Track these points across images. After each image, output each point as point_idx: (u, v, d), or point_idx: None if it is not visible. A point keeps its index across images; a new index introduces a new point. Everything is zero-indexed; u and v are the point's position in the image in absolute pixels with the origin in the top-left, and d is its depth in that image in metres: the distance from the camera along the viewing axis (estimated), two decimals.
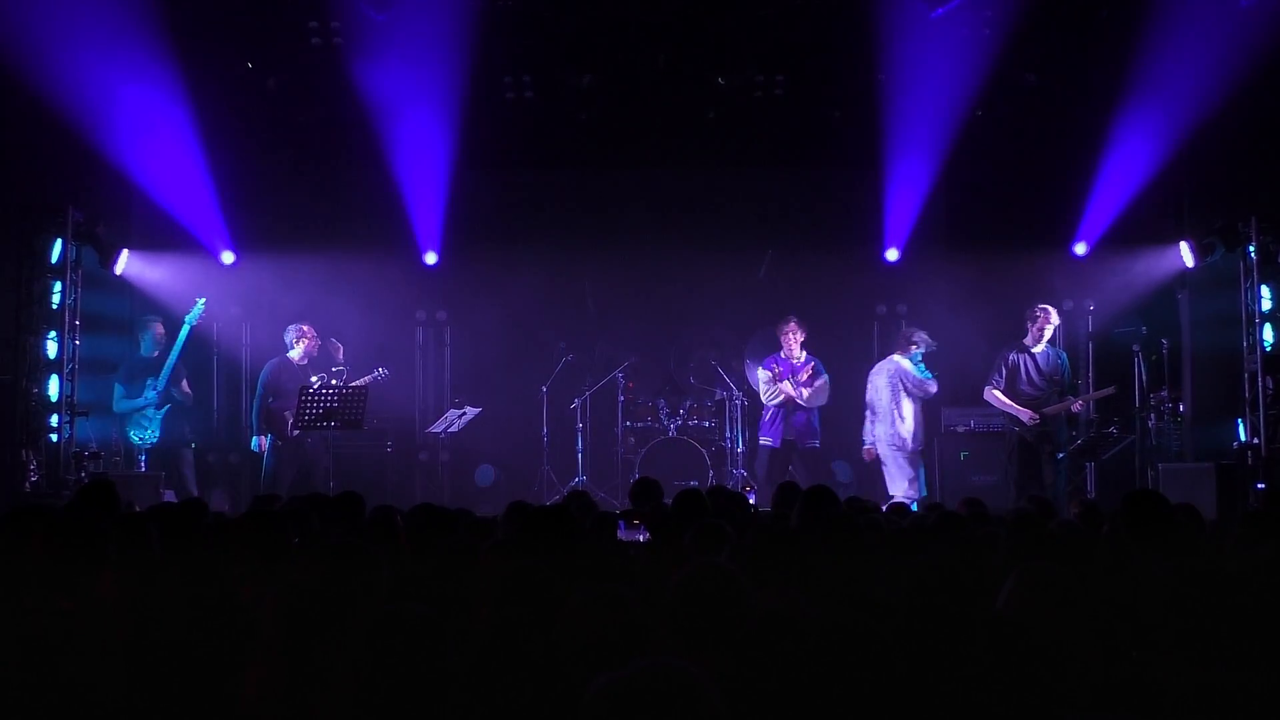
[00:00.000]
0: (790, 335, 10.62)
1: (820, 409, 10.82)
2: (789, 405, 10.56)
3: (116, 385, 10.52)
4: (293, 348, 10.29)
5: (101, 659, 3.42)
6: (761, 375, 10.73)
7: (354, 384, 10.08)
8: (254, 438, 10.24)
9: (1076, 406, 9.98)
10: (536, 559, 4.06)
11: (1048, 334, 9.75)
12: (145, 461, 10.37)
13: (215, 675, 3.34)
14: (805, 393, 10.55)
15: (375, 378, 10.18)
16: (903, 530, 5.44)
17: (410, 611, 2.96)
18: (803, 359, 10.66)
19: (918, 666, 3.03)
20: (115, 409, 10.51)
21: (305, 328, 10.29)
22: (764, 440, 10.72)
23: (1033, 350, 9.76)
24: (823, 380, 10.67)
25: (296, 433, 9.97)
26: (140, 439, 10.39)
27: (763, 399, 10.73)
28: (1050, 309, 9.78)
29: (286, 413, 10.00)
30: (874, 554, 4.61)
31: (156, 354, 10.48)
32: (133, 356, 10.64)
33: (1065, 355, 10.02)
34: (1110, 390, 10.29)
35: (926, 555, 4.42)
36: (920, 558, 4.35)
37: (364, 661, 2.83)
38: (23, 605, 3.83)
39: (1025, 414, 9.62)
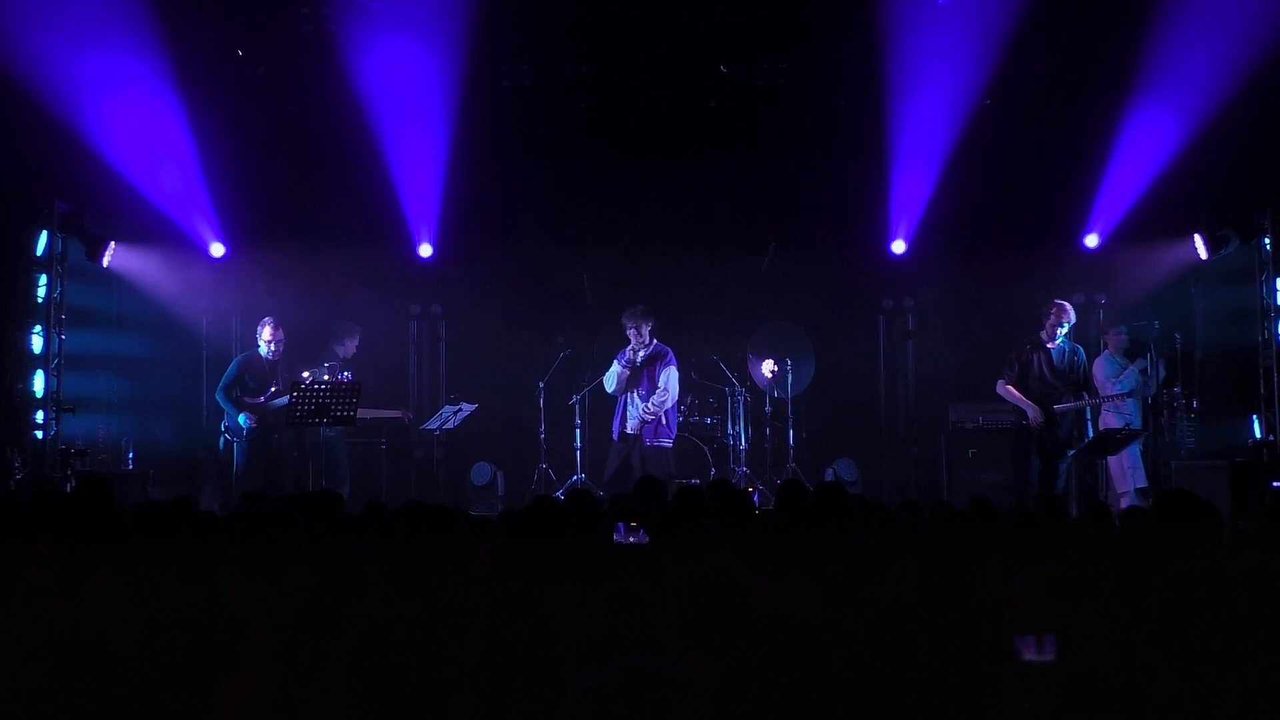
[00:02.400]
0: (641, 328, 10.12)
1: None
2: (632, 398, 10.14)
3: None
4: (259, 342, 10.09)
5: (92, 659, 3.28)
6: (614, 369, 10.27)
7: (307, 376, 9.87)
8: (241, 415, 9.88)
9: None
10: (532, 559, 4.06)
11: (1063, 330, 9.55)
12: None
13: (204, 677, 3.24)
14: (648, 386, 10.05)
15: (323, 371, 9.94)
16: (910, 530, 5.28)
17: (402, 614, 2.90)
18: (649, 346, 10.15)
19: (921, 666, 3.05)
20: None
21: (271, 321, 10.06)
22: (614, 433, 10.31)
23: (1046, 345, 9.59)
24: (668, 370, 10.11)
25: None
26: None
27: (608, 390, 10.29)
28: (1066, 305, 9.58)
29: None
30: (882, 554, 4.50)
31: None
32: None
33: (1082, 351, 9.82)
34: (1120, 394, 10.11)
35: (934, 555, 4.39)
36: (928, 557, 4.30)
37: (356, 664, 2.79)
38: (13, 605, 3.80)
39: (1032, 411, 9.42)
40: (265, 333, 10.01)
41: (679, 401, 10.41)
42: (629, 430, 10.08)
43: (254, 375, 10.00)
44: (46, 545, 4.32)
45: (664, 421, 10.05)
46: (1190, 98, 10.25)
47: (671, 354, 10.18)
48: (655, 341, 10.18)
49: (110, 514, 5.51)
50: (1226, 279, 11.05)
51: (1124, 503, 9.54)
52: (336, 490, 8.35)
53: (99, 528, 4.48)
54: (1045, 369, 9.57)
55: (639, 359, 10.07)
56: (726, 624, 3.22)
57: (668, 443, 10.09)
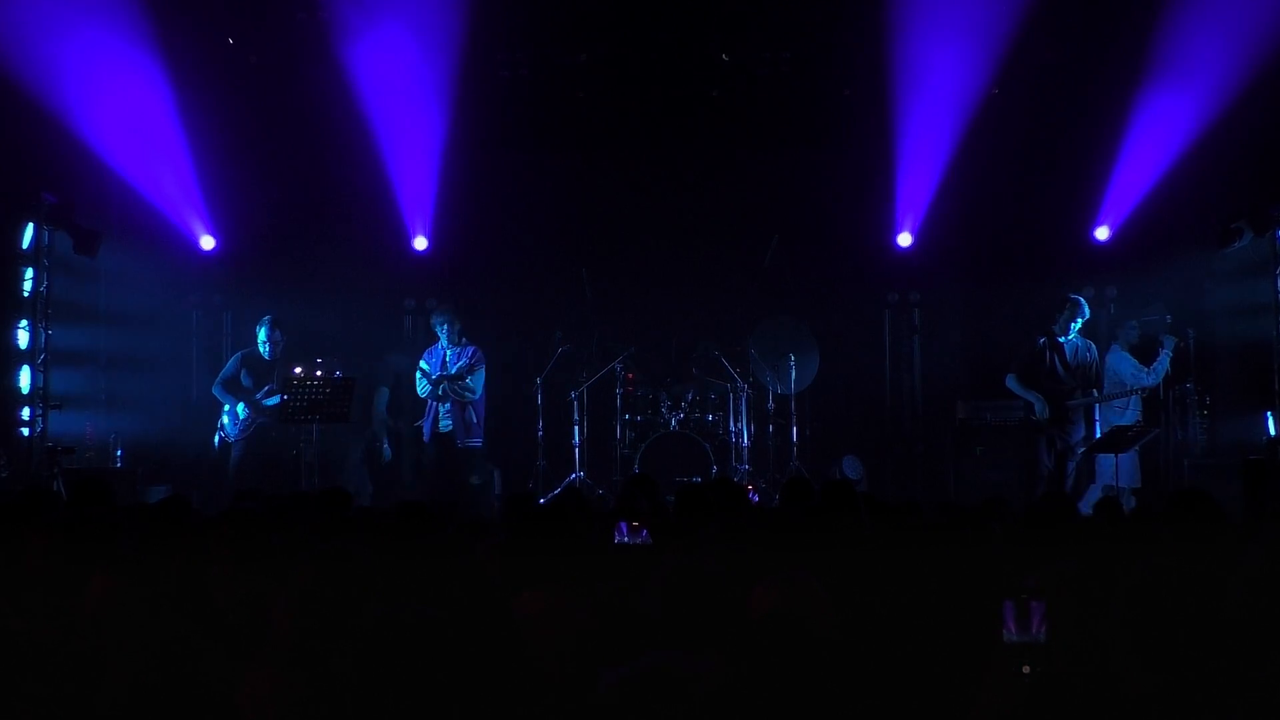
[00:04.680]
0: (447, 325, 10.07)
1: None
2: (440, 399, 10.05)
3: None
4: (258, 341, 10.05)
5: (87, 659, 3.41)
6: (421, 367, 10.19)
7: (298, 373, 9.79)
8: (239, 404, 9.93)
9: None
10: (533, 560, 4.05)
11: (1076, 326, 9.65)
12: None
13: (198, 676, 3.24)
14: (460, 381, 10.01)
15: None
16: (917, 528, 5.14)
17: (395, 614, 2.94)
18: (461, 347, 10.10)
19: (927, 667, 3.06)
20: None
21: (270, 321, 10.02)
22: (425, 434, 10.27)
23: (1059, 340, 9.66)
24: (481, 371, 10.08)
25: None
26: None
27: (418, 391, 10.25)
28: (1082, 301, 9.70)
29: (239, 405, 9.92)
30: (888, 552, 4.43)
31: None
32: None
33: (1095, 348, 9.86)
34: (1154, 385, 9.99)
35: (941, 553, 4.31)
36: (935, 556, 4.27)
37: (348, 664, 2.86)
38: (11, 604, 3.81)
39: (1039, 404, 9.53)
40: (263, 333, 9.99)
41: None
42: (442, 431, 10.08)
43: (251, 373, 10.00)
44: (40, 544, 4.25)
45: (475, 421, 10.05)
46: (1204, 88, 10.16)
47: (481, 354, 10.14)
48: (465, 340, 10.14)
49: (108, 513, 5.41)
50: (1240, 273, 10.94)
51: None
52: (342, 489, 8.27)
53: (96, 527, 4.44)
54: (1058, 364, 9.62)
55: (452, 362, 10.03)
56: (713, 623, 3.19)
57: (478, 443, 10.12)
